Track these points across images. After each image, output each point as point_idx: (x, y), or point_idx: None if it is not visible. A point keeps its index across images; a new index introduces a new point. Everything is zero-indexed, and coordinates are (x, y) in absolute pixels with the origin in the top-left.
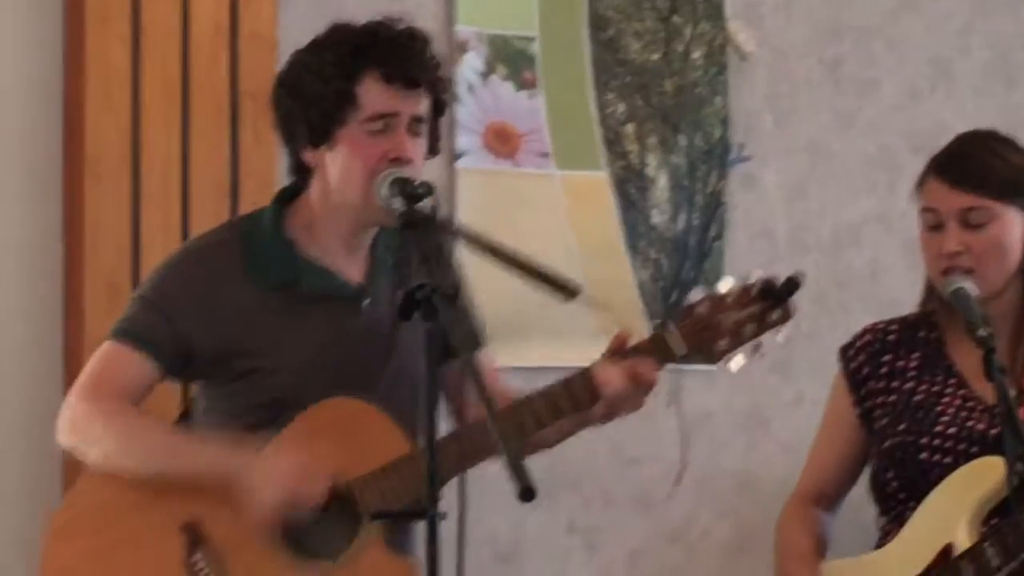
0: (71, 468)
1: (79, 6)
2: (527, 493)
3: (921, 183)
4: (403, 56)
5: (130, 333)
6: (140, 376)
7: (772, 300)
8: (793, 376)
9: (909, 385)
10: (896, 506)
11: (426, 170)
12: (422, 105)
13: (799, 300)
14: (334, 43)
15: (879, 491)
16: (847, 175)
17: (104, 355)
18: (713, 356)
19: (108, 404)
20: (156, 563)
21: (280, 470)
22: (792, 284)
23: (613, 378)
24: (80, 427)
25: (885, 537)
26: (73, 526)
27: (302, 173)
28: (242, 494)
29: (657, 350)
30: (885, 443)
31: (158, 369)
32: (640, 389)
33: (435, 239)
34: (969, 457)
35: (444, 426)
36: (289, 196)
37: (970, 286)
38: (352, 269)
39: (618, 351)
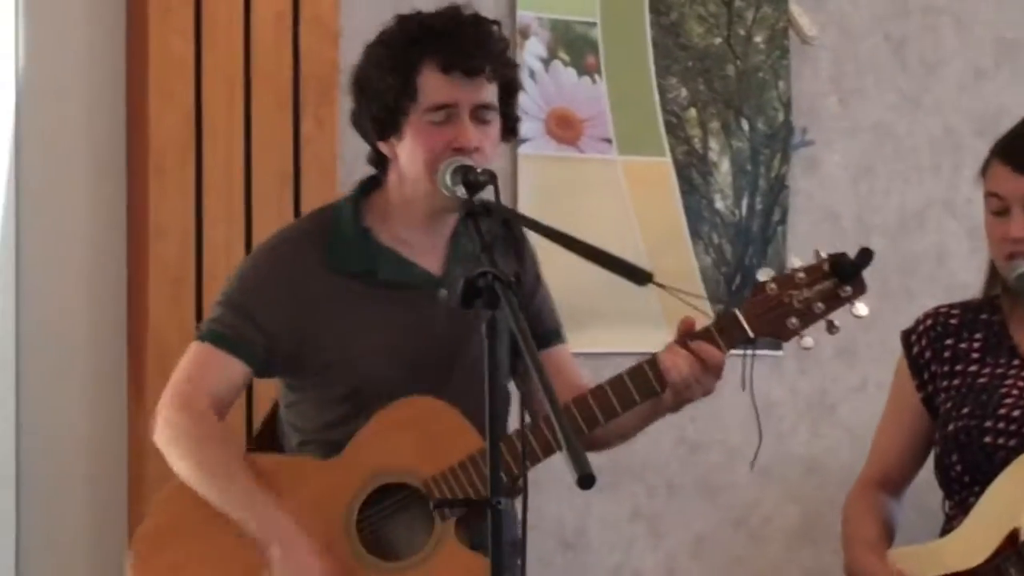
0: (135, 463)
1: None
2: (586, 480)
3: (985, 168)
4: (461, 45)
5: (219, 335)
6: (230, 378)
7: (843, 275)
8: (857, 361)
9: (972, 368)
10: (961, 490)
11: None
12: (485, 92)
13: None
14: (394, 35)
15: (943, 475)
16: (912, 157)
17: (194, 358)
18: (784, 335)
19: (197, 421)
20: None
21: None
22: (863, 257)
23: (679, 362)
24: (171, 435)
25: (950, 522)
26: (164, 535)
27: (380, 163)
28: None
29: (727, 331)
30: (949, 427)
31: (247, 368)
32: (708, 373)
33: (498, 227)
34: None
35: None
36: (369, 187)
37: None
38: (430, 259)
39: (686, 336)
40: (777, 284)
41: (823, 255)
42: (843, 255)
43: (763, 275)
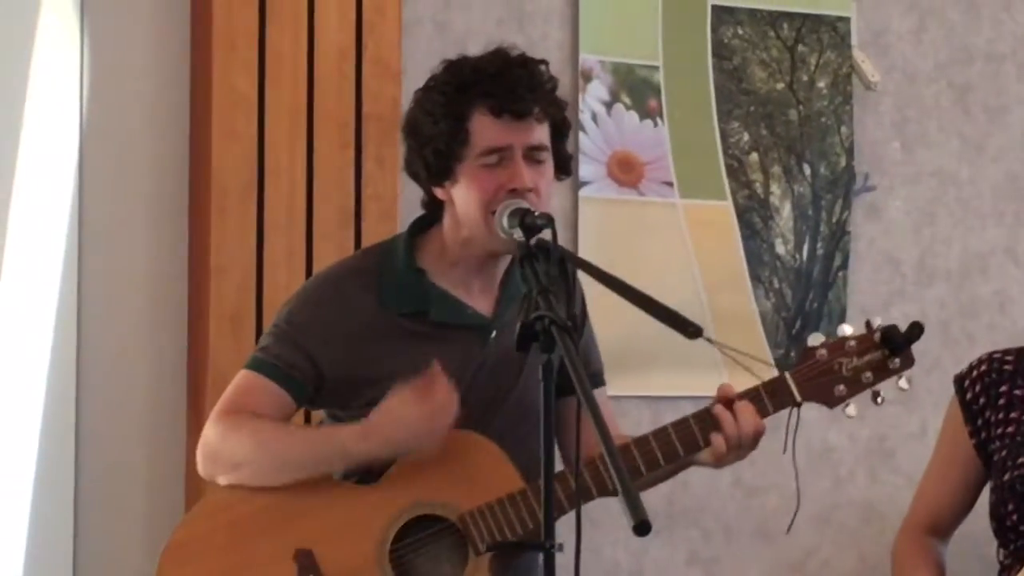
0: (193, 496)
1: (206, 34)
2: (642, 527)
3: None
4: (510, 88)
5: (266, 364)
6: (276, 406)
7: (893, 347)
8: (917, 407)
9: None
10: (1016, 539)
11: (552, 197)
12: (537, 133)
13: (924, 330)
14: (444, 81)
15: (999, 524)
16: (975, 204)
17: (240, 385)
18: (831, 401)
19: (240, 418)
20: None
21: (412, 418)
22: (915, 331)
23: (724, 422)
24: (215, 446)
25: (1006, 571)
26: (190, 548)
27: (435, 206)
28: (394, 444)
29: (775, 394)
30: (1005, 476)
31: (293, 399)
32: (746, 439)
33: (555, 270)
34: None
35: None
36: (422, 226)
37: None
38: (482, 301)
39: (725, 402)
40: (827, 350)
41: (875, 325)
42: (894, 327)
43: (813, 340)
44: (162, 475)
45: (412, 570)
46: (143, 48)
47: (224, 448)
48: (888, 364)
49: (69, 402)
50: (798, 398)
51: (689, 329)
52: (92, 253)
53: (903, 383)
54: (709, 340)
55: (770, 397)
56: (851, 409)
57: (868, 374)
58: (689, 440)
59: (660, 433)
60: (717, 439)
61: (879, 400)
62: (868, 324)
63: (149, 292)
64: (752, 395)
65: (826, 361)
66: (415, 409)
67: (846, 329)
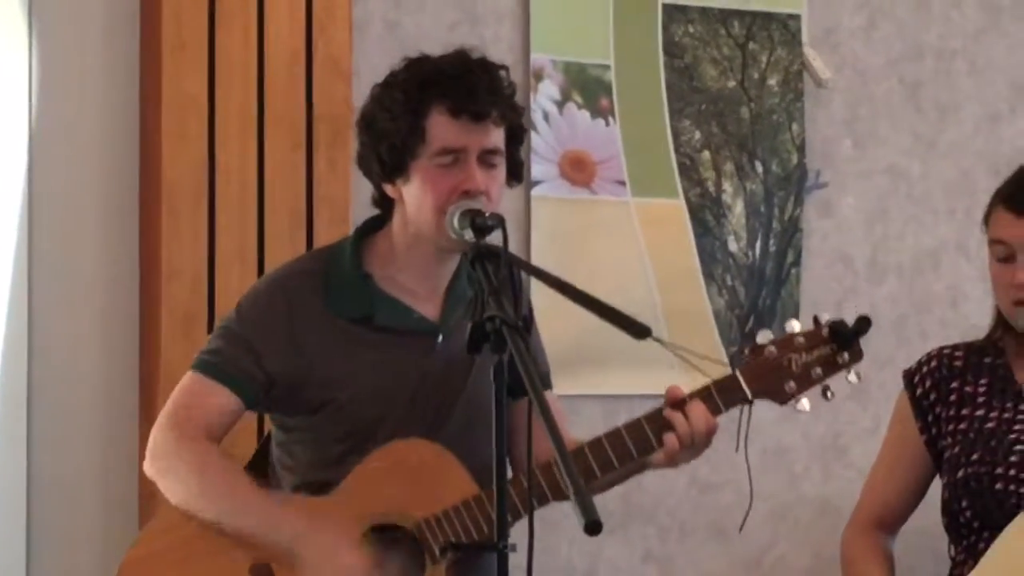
0: (147, 499)
1: (155, 36)
2: (593, 526)
3: (988, 214)
4: (470, 89)
5: (213, 365)
6: (224, 409)
7: (842, 342)
8: (870, 402)
9: (979, 412)
10: (970, 535)
11: (503, 199)
12: (493, 137)
13: (876, 326)
14: (404, 78)
15: (952, 521)
16: (926, 200)
17: (188, 387)
18: (781, 397)
19: (191, 444)
20: None
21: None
22: (862, 325)
23: (676, 422)
24: (163, 462)
25: (958, 567)
26: (147, 564)
27: (385, 205)
28: (307, 564)
29: (726, 392)
30: (958, 473)
31: (241, 402)
32: (699, 437)
33: (505, 271)
34: None
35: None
36: (370, 229)
37: None
38: (428, 306)
39: (675, 403)
40: (776, 347)
41: (823, 320)
42: (842, 322)
43: (762, 337)
44: (115, 478)
45: None
46: (92, 50)
47: (169, 473)
48: (837, 359)
49: (20, 406)
50: (749, 395)
51: (636, 329)
52: (43, 256)
53: (852, 377)
54: (657, 340)
55: (721, 395)
56: (803, 404)
57: (818, 369)
58: (642, 441)
59: (613, 435)
60: (670, 439)
61: (829, 395)
62: (816, 320)
63: (100, 295)
64: (703, 394)
65: (775, 358)
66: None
67: (795, 325)
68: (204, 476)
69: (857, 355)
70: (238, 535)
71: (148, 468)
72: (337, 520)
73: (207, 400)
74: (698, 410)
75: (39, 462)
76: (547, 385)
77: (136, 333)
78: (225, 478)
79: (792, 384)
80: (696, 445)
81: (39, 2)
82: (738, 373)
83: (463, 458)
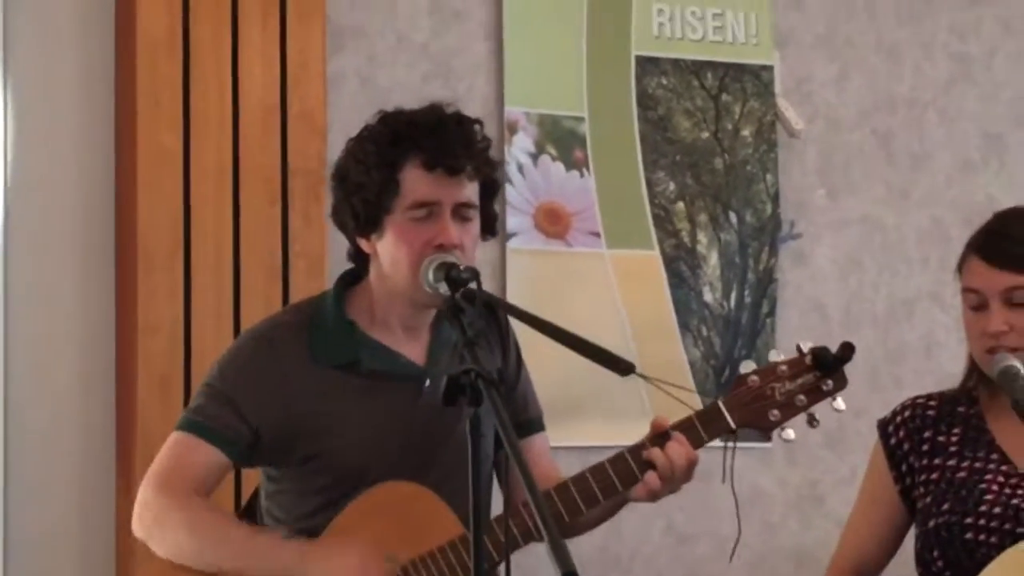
0: (124, 558)
1: (130, 90)
2: None
3: (961, 263)
4: (445, 143)
5: (198, 424)
6: (210, 467)
7: (825, 369)
8: (846, 451)
9: (951, 462)
10: None
11: (477, 250)
12: (467, 190)
13: (852, 375)
14: (378, 132)
15: (925, 570)
16: (900, 250)
17: (174, 447)
18: (766, 426)
19: (179, 496)
20: None
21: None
22: (845, 352)
23: (655, 458)
24: (151, 518)
25: None
26: None
27: (360, 260)
28: None
29: (709, 423)
30: (929, 523)
31: (227, 459)
32: (679, 471)
33: (482, 323)
34: (1016, 537)
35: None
36: (351, 279)
37: (1018, 364)
38: (414, 349)
39: (658, 434)
40: (759, 376)
41: (805, 348)
42: (825, 349)
43: (745, 367)
44: (93, 539)
45: None
46: (67, 105)
47: (159, 527)
48: (821, 386)
49: None
50: (732, 425)
51: (621, 366)
52: (17, 314)
53: (839, 404)
54: (642, 376)
55: (704, 426)
56: (788, 433)
57: (801, 397)
58: (626, 473)
59: (597, 469)
60: (650, 476)
61: (815, 423)
62: (799, 347)
63: (76, 353)
64: (685, 425)
65: (759, 387)
66: (360, 558)
67: (777, 355)
68: (195, 524)
69: (841, 382)
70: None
71: (136, 527)
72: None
73: (193, 458)
74: (678, 442)
75: (15, 522)
76: (539, 428)
77: (112, 392)
78: (216, 523)
79: (776, 412)
80: (676, 479)
81: (13, 56)
82: (720, 403)
83: (450, 502)
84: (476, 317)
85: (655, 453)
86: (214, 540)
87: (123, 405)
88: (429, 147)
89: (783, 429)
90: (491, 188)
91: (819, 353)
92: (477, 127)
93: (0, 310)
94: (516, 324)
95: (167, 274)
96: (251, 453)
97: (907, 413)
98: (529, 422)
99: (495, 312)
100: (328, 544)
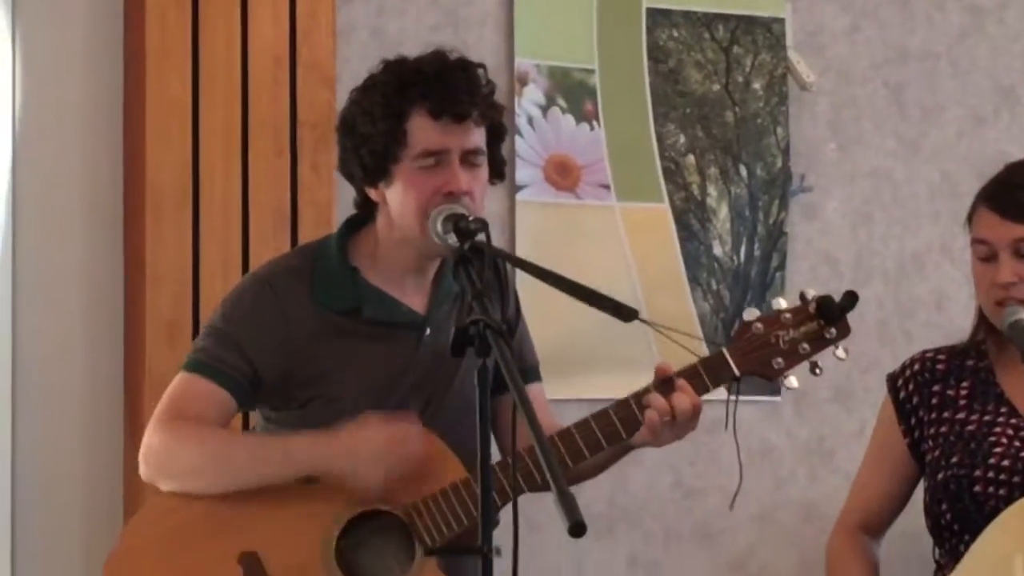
0: (132, 503)
1: (139, 42)
2: (577, 528)
3: (972, 214)
4: (450, 90)
5: (204, 364)
6: (216, 407)
7: (829, 317)
8: (856, 406)
9: (960, 415)
10: (951, 538)
11: (487, 202)
12: (474, 137)
13: (861, 329)
14: (383, 81)
15: (934, 523)
16: (911, 203)
17: (179, 386)
18: (770, 374)
19: (186, 426)
20: None
21: (372, 448)
22: (849, 300)
23: (656, 405)
24: (163, 455)
25: (941, 570)
26: (134, 555)
27: (368, 207)
28: (343, 480)
29: (713, 369)
30: (938, 476)
31: (233, 399)
32: (683, 415)
33: (489, 274)
34: None
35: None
36: (356, 225)
37: None
38: (416, 299)
39: (663, 380)
40: (763, 324)
41: (809, 296)
42: (829, 297)
43: (749, 315)
44: (101, 483)
45: (359, 565)
46: (76, 55)
47: (169, 457)
48: (824, 334)
49: (5, 412)
50: (736, 372)
51: (624, 312)
52: (27, 262)
53: (841, 352)
54: (645, 322)
55: (708, 373)
56: (791, 381)
57: (805, 345)
58: (630, 419)
59: (601, 415)
60: (650, 414)
61: (817, 371)
62: (803, 295)
63: (85, 300)
64: (690, 372)
65: (763, 334)
66: (385, 432)
67: (781, 302)
68: (208, 445)
69: (844, 330)
70: (260, 482)
71: (144, 472)
72: (304, 543)
73: (199, 399)
74: (683, 388)
75: (24, 468)
76: (535, 377)
77: (121, 338)
78: (228, 439)
79: (780, 360)
80: (680, 424)
81: (22, 7)
82: (725, 350)
83: (453, 448)
84: (484, 269)
85: (658, 400)
86: (231, 453)
87: (131, 353)
88: (434, 95)
89: (787, 377)
90: (498, 133)
91: (823, 301)
92: (481, 71)
93: (10, 260)
94: (521, 275)
95: (176, 223)
96: (253, 393)
97: (916, 367)
98: (524, 371)
99: (495, 261)
100: (344, 428)
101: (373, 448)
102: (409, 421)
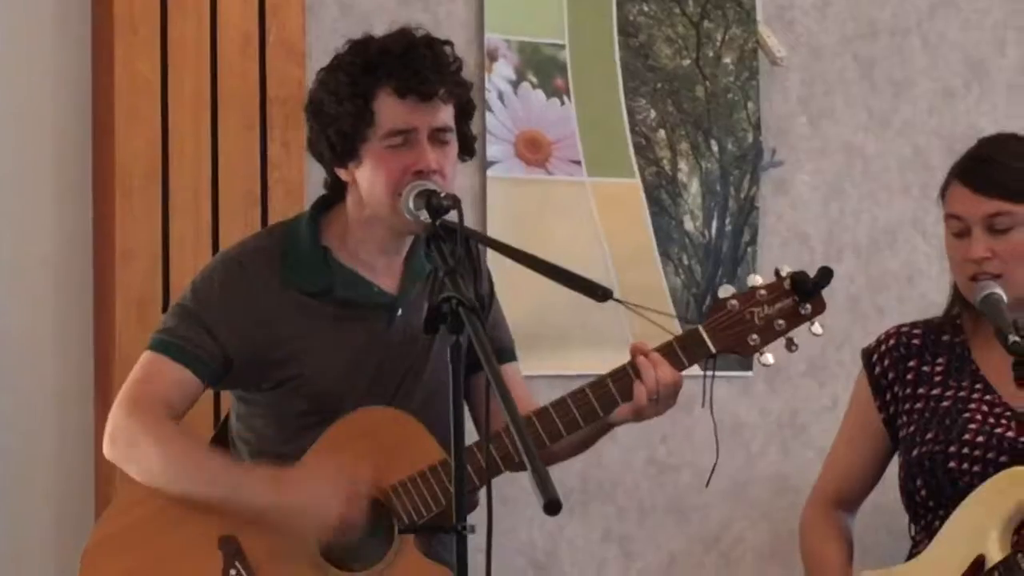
0: (103, 483)
1: (108, 18)
2: (552, 506)
3: (944, 189)
4: (415, 69)
5: (170, 344)
6: (182, 388)
7: (804, 293)
8: (828, 380)
9: (935, 391)
10: (926, 514)
11: (458, 179)
12: (442, 114)
13: (833, 304)
14: (349, 61)
15: (908, 500)
16: (882, 178)
17: (145, 367)
18: (745, 350)
19: (152, 421)
20: None
21: (322, 510)
22: (824, 276)
23: (646, 378)
24: (123, 442)
25: (917, 546)
26: (112, 543)
27: (338, 187)
28: (287, 529)
29: (689, 347)
30: (913, 452)
31: (199, 380)
32: (665, 389)
33: (461, 251)
34: (999, 466)
35: (471, 436)
36: (326, 205)
37: (1000, 291)
38: (387, 278)
39: (640, 356)
40: (738, 301)
41: (783, 273)
42: (803, 273)
43: (724, 292)
44: (71, 460)
45: (339, 547)
46: (44, 32)
47: (131, 446)
48: (799, 310)
49: None
50: (712, 348)
51: (598, 292)
52: None
53: (817, 328)
54: (619, 301)
55: (684, 350)
56: (767, 357)
57: (780, 321)
58: (607, 398)
59: (578, 394)
60: (639, 388)
61: (793, 347)
62: (777, 272)
63: (54, 277)
64: (666, 350)
65: (738, 311)
66: (334, 485)
67: (756, 279)
68: (167, 452)
69: (820, 306)
70: (207, 505)
71: (109, 451)
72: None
73: (165, 380)
74: (663, 363)
75: None
76: (510, 358)
77: (90, 314)
78: (188, 452)
79: (755, 337)
80: (661, 399)
81: None
82: (701, 328)
83: (429, 428)
84: (456, 246)
85: (648, 372)
86: (187, 468)
87: (101, 329)
88: (400, 74)
89: (762, 354)
90: (466, 109)
91: (798, 277)
92: (448, 48)
93: None
94: (493, 254)
95: (145, 200)
96: (223, 373)
97: (891, 342)
98: (500, 351)
99: (467, 240)
100: (300, 471)
101: (325, 513)
102: (360, 479)
